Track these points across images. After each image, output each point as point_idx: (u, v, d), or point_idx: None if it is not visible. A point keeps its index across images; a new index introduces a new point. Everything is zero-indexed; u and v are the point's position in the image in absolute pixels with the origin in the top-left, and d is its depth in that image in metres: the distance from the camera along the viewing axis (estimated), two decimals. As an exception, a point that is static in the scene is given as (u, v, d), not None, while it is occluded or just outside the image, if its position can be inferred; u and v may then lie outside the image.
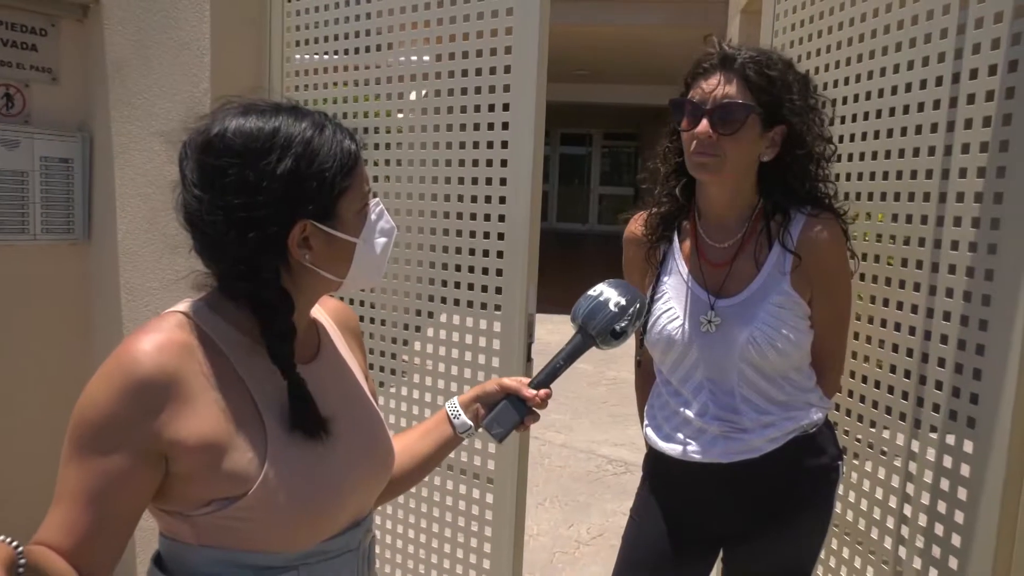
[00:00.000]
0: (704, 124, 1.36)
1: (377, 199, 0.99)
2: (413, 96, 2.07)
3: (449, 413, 1.20)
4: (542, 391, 1.17)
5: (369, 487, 1.03)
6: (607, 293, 1.19)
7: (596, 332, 1.17)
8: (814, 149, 1.45)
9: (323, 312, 1.10)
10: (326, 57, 2.20)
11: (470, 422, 1.18)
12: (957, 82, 1.42)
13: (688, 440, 1.49)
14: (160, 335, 0.86)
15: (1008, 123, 1.30)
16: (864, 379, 1.68)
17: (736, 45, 1.42)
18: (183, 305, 0.92)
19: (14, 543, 0.73)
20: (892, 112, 1.59)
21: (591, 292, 1.21)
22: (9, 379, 2.53)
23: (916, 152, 1.52)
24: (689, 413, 1.49)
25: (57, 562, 0.79)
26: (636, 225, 1.61)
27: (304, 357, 0.99)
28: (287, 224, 0.87)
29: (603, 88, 14.05)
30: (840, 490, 1.54)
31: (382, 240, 0.97)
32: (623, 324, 1.17)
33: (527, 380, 1.18)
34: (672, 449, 1.51)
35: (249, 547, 0.89)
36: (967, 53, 1.39)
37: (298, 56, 2.28)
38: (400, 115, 2.06)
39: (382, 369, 2.14)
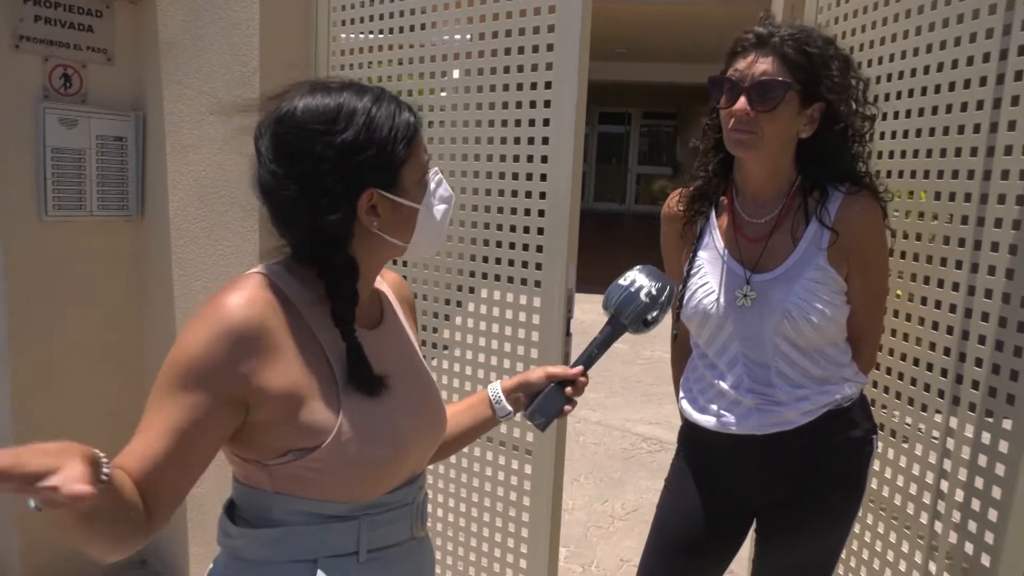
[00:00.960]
0: (742, 101, 1.38)
1: (436, 168, 1.05)
2: (456, 74, 2.10)
3: (491, 398, 1.25)
4: (583, 378, 1.22)
5: (425, 445, 1.10)
6: (638, 282, 1.24)
7: (629, 320, 1.23)
8: (853, 126, 1.45)
9: (385, 284, 1.17)
10: (371, 36, 2.24)
11: (510, 408, 1.24)
12: (1005, 59, 1.40)
13: (723, 412, 1.52)
14: (248, 291, 0.93)
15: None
16: (903, 356, 1.68)
17: (776, 23, 1.43)
18: (261, 267, 0.99)
19: (102, 454, 0.79)
20: (937, 89, 1.58)
21: (622, 281, 1.25)
22: (68, 351, 2.65)
23: (960, 130, 1.51)
24: (724, 385, 1.51)
25: (129, 484, 0.85)
26: (674, 201, 1.64)
27: (369, 323, 1.07)
28: (355, 192, 0.94)
29: (642, 67, 13.89)
30: (876, 466, 1.55)
31: (442, 207, 1.04)
32: (654, 313, 1.23)
33: (565, 369, 1.23)
34: (707, 421, 1.54)
35: (319, 496, 0.96)
36: (1016, 29, 1.38)
37: (344, 36, 2.33)
38: (443, 93, 2.10)
39: (423, 343, 2.20)
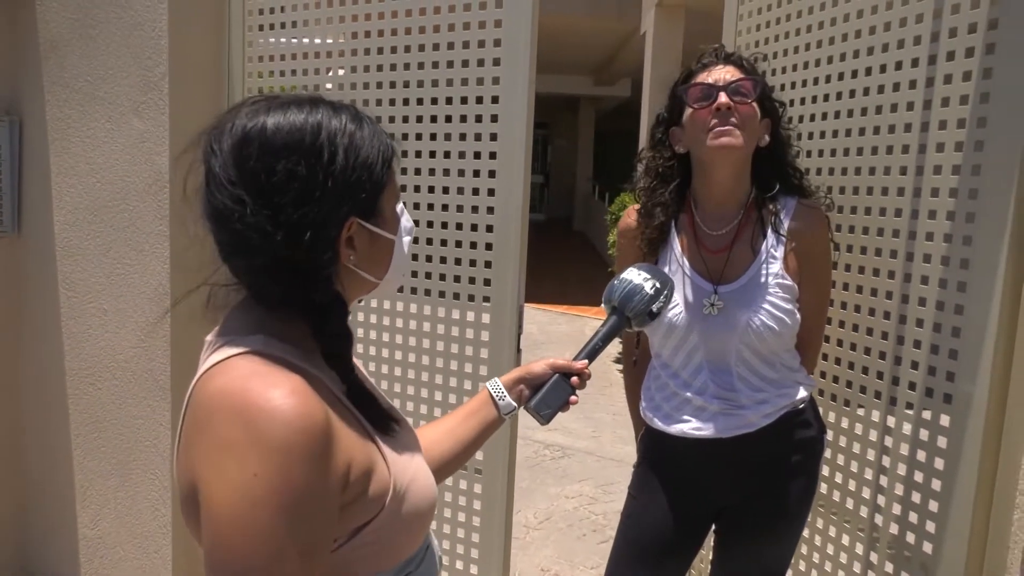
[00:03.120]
0: (723, 97, 1.46)
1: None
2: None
3: (493, 394, 1.18)
4: (587, 370, 1.21)
5: None
6: (639, 277, 1.27)
7: (633, 314, 1.25)
8: (787, 142, 1.61)
9: None
10: (294, 41, 2.13)
11: (514, 403, 1.19)
12: (931, 86, 1.53)
13: (689, 418, 1.56)
14: (278, 384, 0.74)
15: (983, 125, 1.42)
16: (838, 361, 1.80)
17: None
18: (240, 347, 0.80)
19: None
20: (864, 112, 1.70)
21: (624, 276, 1.28)
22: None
23: (889, 150, 1.64)
24: (689, 394, 1.56)
25: None
26: (631, 218, 1.67)
27: None
28: (341, 224, 0.82)
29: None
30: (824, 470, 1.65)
31: (408, 239, 0.94)
32: (658, 305, 1.25)
33: (570, 361, 1.21)
34: (675, 428, 1.57)
35: (370, 573, 0.85)
36: (942, 56, 1.52)
37: (262, 40, 2.20)
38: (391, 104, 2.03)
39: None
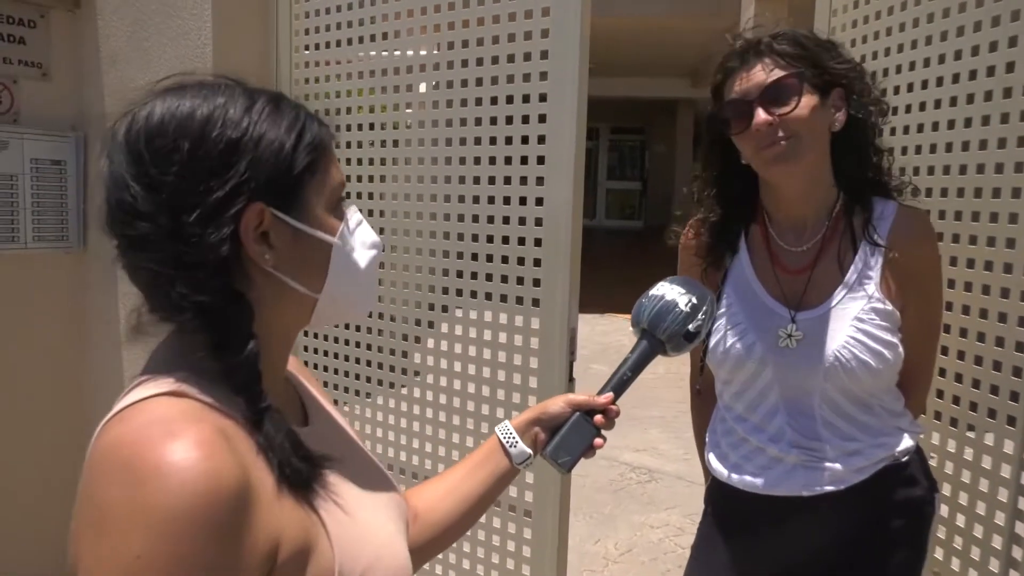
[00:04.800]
0: (759, 112, 1.19)
1: (355, 206, 0.81)
2: (423, 88, 1.89)
3: (503, 441, 1.00)
4: (613, 406, 1.00)
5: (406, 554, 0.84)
6: (672, 292, 1.04)
7: (667, 336, 1.02)
8: (874, 112, 1.29)
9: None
10: (338, 48, 2.01)
11: (529, 450, 1.00)
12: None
13: (761, 471, 1.31)
14: (180, 435, 0.60)
15: None
16: (956, 400, 1.49)
17: (751, 31, 1.27)
18: (156, 386, 0.66)
19: None
20: (971, 100, 1.40)
21: (653, 292, 1.05)
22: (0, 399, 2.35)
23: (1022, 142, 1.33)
24: (761, 441, 1.30)
25: None
26: (691, 233, 1.43)
27: (293, 419, 0.79)
28: (235, 203, 0.68)
29: (609, 82, 13.86)
30: (940, 532, 1.35)
31: (369, 254, 0.79)
32: (697, 324, 1.02)
33: (592, 396, 1.01)
34: (742, 481, 1.32)
35: None
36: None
37: (307, 50, 2.09)
38: (409, 110, 1.88)
39: (404, 371, 1.96)
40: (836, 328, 1.24)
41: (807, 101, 1.20)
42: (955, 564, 1.51)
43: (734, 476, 1.34)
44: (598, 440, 0.99)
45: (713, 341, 1.34)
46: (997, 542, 1.40)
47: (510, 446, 0.99)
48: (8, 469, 2.35)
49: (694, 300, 1.03)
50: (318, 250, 0.74)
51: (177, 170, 0.68)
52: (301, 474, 0.68)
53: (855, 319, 1.23)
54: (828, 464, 1.26)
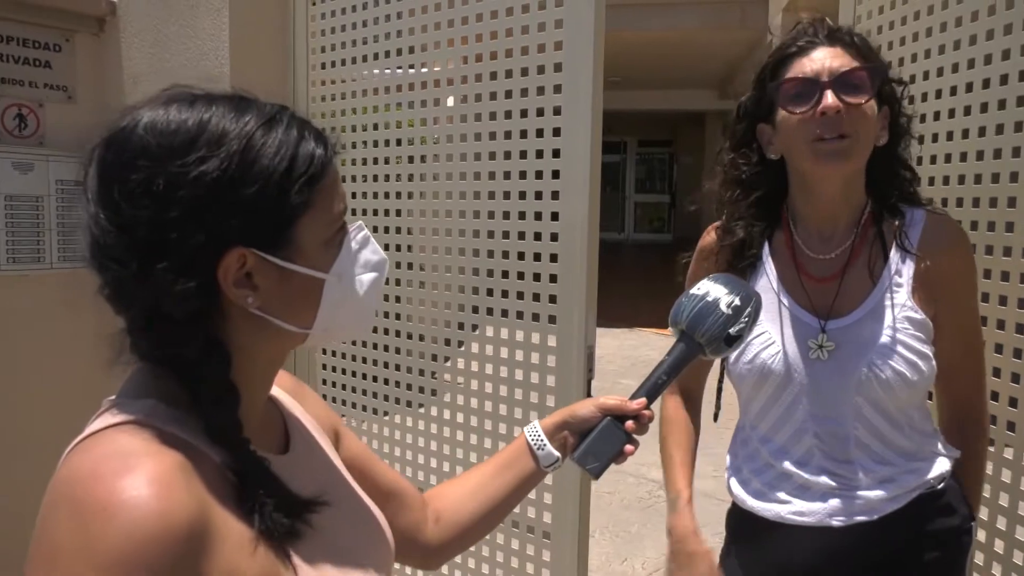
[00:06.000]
0: (829, 96, 1.12)
1: (360, 223, 0.75)
2: (451, 102, 1.87)
3: (531, 443, 0.97)
4: (647, 411, 0.96)
5: None
6: (715, 291, 0.97)
7: (706, 339, 0.96)
8: (907, 132, 1.25)
9: (278, 391, 0.85)
10: (354, 65, 2.01)
11: (557, 453, 0.97)
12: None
13: (787, 498, 1.24)
14: (135, 469, 0.58)
15: None
16: (993, 420, 1.42)
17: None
18: (122, 414, 0.64)
19: None
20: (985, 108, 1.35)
21: (695, 291, 0.98)
22: (25, 419, 2.37)
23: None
24: (787, 465, 1.24)
25: None
26: (710, 236, 1.38)
27: (272, 446, 0.76)
28: (213, 251, 0.64)
29: (636, 95, 13.83)
30: (979, 559, 1.28)
31: (369, 276, 0.74)
32: (739, 327, 0.95)
33: (624, 401, 0.97)
34: (766, 509, 1.26)
35: None
36: None
37: (323, 65, 2.10)
38: (435, 124, 1.87)
39: (421, 390, 1.93)
40: (869, 337, 1.18)
41: (873, 104, 1.15)
42: (995, 592, 1.43)
43: (757, 503, 1.28)
44: (629, 447, 0.95)
45: (734, 354, 1.28)
46: (1038, 570, 1.33)
47: (538, 449, 0.97)
48: (39, 490, 2.37)
49: (737, 302, 0.96)
50: (308, 287, 0.69)
51: (149, 213, 0.62)
52: (281, 528, 0.65)
53: (889, 327, 1.17)
54: (860, 492, 1.19)
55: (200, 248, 0.63)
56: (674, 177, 18.95)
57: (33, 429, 2.38)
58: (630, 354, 7.11)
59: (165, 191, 0.62)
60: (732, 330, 0.95)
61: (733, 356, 1.28)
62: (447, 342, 1.88)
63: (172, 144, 0.63)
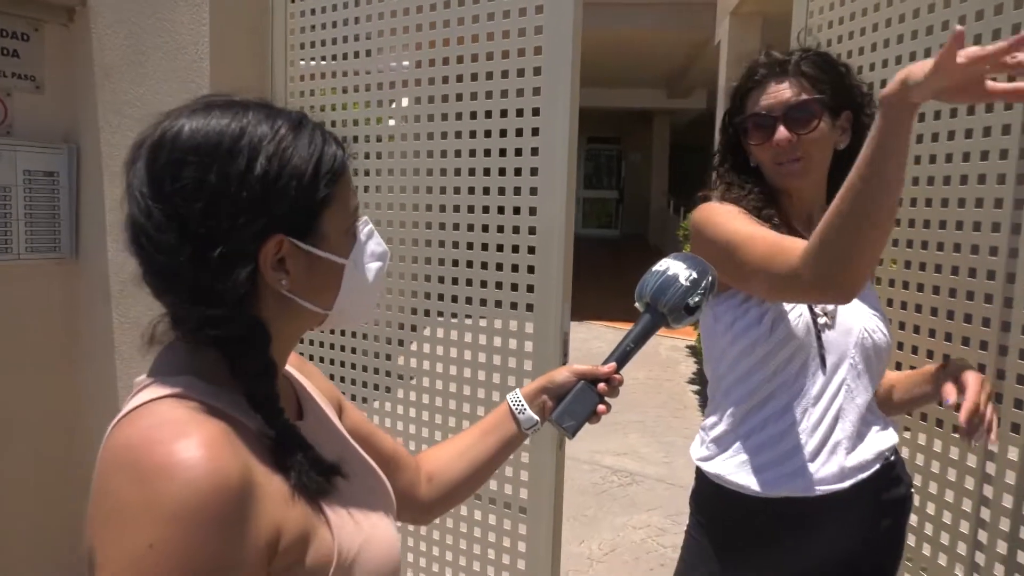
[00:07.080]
0: (781, 130, 1.30)
1: (366, 218, 0.85)
2: (405, 102, 1.95)
3: (512, 407, 1.08)
4: (617, 375, 1.07)
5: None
6: (675, 267, 1.09)
7: (668, 309, 1.07)
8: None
9: (287, 366, 0.94)
10: (333, 62, 2.07)
11: (536, 417, 1.08)
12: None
13: (793, 473, 1.29)
14: (187, 435, 0.65)
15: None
16: (999, 421, 1.54)
17: (778, 51, 1.37)
18: (162, 389, 0.71)
19: None
20: (953, 113, 1.49)
21: (656, 268, 1.10)
22: (-6, 408, 2.36)
23: (984, 156, 1.43)
24: (798, 434, 1.30)
25: None
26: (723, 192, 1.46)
27: (291, 415, 0.83)
28: (258, 239, 0.73)
29: (586, 92, 13.97)
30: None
31: (375, 265, 0.84)
32: (696, 298, 1.07)
33: (596, 366, 1.08)
34: (795, 486, 1.29)
35: None
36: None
37: (303, 61, 2.15)
38: (392, 122, 1.95)
39: (400, 376, 2.01)
40: (857, 305, 1.34)
41: (823, 124, 1.31)
42: (926, 549, 1.60)
43: (765, 489, 1.30)
44: (601, 407, 1.05)
45: (771, 321, 1.32)
46: (964, 527, 1.49)
47: (519, 412, 1.07)
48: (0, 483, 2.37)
49: (694, 275, 1.07)
50: (331, 271, 0.79)
51: (202, 206, 0.70)
52: (317, 486, 0.74)
53: (867, 298, 1.35)
54: (860, 447, 1.30)
55: (247, 236, 0.72)
56: (622, 174, 19.27)
57: None
58: (580, 347, 7.27)
59: (217, 186, 0.70)
60: (691, 300, 1.06)
61: (772, 321, 1.32)
62: (432, 331, 1.96)
63: (220, 144, 0.71)
